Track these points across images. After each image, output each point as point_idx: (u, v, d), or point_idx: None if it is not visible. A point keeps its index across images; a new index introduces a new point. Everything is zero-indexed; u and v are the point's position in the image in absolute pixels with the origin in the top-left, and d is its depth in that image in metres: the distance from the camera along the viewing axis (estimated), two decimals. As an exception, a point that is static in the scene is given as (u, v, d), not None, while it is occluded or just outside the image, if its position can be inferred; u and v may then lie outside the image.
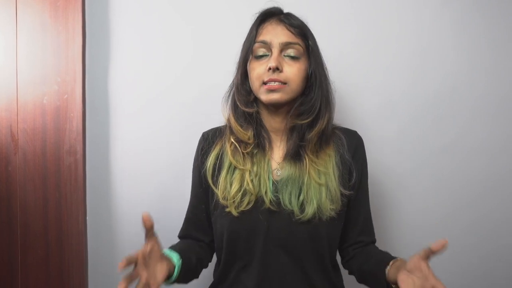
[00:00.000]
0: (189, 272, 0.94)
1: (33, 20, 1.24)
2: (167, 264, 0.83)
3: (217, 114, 1.04)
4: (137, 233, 1.32)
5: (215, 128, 1.06)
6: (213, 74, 1.28)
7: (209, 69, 1.30)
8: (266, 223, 0.93)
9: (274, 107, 0.96)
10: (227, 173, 0.96)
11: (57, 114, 1.24)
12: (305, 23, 0.98)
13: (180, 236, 1.07)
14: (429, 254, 0.75)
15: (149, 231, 0.80)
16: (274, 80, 0.91)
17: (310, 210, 0.91)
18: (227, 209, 0.94)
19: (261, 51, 0.94)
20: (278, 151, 0.99)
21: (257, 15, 0.98)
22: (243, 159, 0.96)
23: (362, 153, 1.02)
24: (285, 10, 1.00)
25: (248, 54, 0.96)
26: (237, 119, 0.98)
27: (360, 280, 1.01)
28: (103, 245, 1.32)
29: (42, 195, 1.25)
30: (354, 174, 0.98)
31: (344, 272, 1.05)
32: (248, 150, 0.96)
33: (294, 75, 0.92)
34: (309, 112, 0.95)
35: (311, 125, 0.95)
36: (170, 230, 1.11)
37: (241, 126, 0.97)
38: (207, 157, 1.00)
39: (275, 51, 0.92)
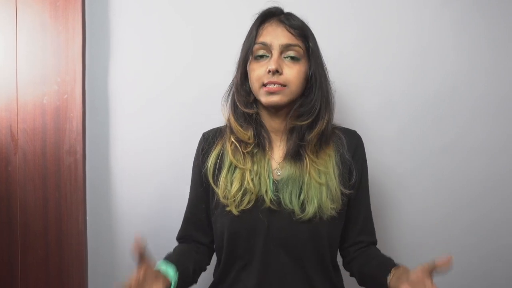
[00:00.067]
0: (186, 282, 0.94)
1: (33, 20, 1.24)
2: (162, 282, 0.83)
3: (217, 114, 1.03)
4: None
5: (215, 128, 1.06)
6: (213, 74, 1.28)
7: (209, 69, 1.30)
8: (267, 222, 0.93)
9: (274, 109, 0.96)
10: (228, 172, 0.96)
11: (57, 114, 1.24)
12: (306, 23, 0.98)
13: (178, 238, 1.07)
14: (433, 269, 0.75)
15: (141, 256, 0.80)
16: (274, 83, 0.91)
17: (310, 209, 0.91)
18: (228, 208, 0.94)
19: (261, 52, 0.94)
20: (278, 151, 1.00)
21: (257, 15, 0.98)
22: (244, 158, 0.96)
23: (362, 153, 1.02)
24: (286, 10, 1.00)
25: (248, 54, 0.96)
26: (237, 119, 0.98)
27: (360, 283, 1.01)
28: (103, 245, 1.32)
29: (42, 195, 1.25)
30: (354, 174, 0.98)
31: (345, 275, 1.05)
32: (249, 149, 0.96)
33: (294, 77, 0.92)
34: (309, 113, 0.95)
35: (311, 126, 0.95)
36: (170, 230, 1.11)
37: (241, 126, 0.97)
38: (207, 157, 1.00)
39: (275, 53, 0.92)
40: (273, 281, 0.94)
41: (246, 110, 0.96)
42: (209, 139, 1.03)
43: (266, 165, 0.96)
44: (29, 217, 1.24)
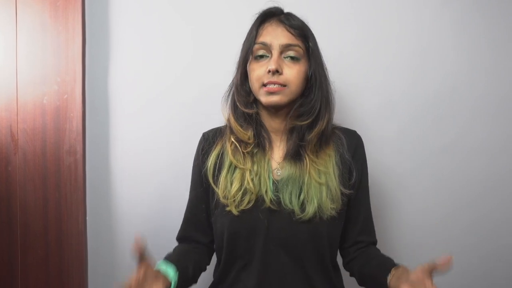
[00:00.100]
0: (186, 282, 0.94)
1: (33, 20, 1.24)
2: (162, 282, 0.83)
3: (217, 114, 1.03)
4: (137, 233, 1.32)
5: (215, 129, 1.06)
6: (213, 74, 1.28)
7: (209, 69, 1.30)
8: (267, 222, 0.93)
9: (274, 109, 0.96)
10: (228, 172, 0.96)
11: (57, 114, 1.24)
12: (306, 22, 0.98)
13: (178, 238, 1.07)
14: (433, 269, 0.75)
15: (141, 256, 0.80)
16: (274, 83, 0.91)
17: (310, 209, 0.91)
18: (228, 208, 0.94)
19: (261, 52, 0.94)
20: (278, 151, 1.00)
21: (257, 15, 0.98)
22: (244, 158, 0.96)
23: (361, 153, 1.02)
24: (286, 10, 1.00)
25: (248, 54, 0.96)
26: (236, 119, 0.98)
27: (360, 283, 1.01)
28: (103, 245, 1.32)
29: (42, 195, 1.25)
30: (354, 174, 0.98)
31: (345, 275, 1.05)
32: (249, 149, 0.96)
33: (294, 77, 0.92)
34: (309, 114, 0.95)
35: (311, 126, 0.95)
36: (170, 230, 1.11)
37: (241, 126, 0.97)
38: (207, 156, 1.00)
39: (275, 53, 0.92)
40: (273, 281, 0.94)
41: (246, 110, 0.96)
42: (209, 139, 1.03)
43: (266, 165, 0.96)
44: (29, 217, 1.24)
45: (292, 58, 0.93)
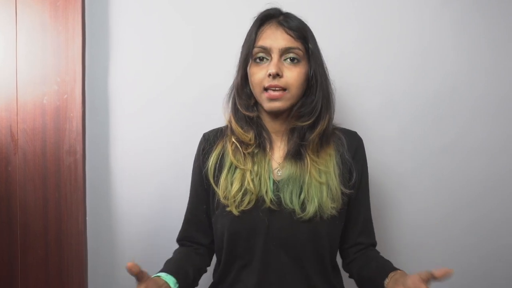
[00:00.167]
0: (187, 287, 0.95)
1: (33, 20, 1.24)
2: None
3: (218, 114, 1.03)
4: (137, 233, 1.33)
5: (216, 129, 1.06)
6: (213, 74, 1.28)
7: (209, 69, 1.30)
8: (267, 222, 0.93)
9: (275, 113, 0.97)
10: (228, 172, 0.96)
11: (57, 114, 1.24)
12: (305, 22, 0.97)
13: (179, 239, 1.07)
14: (430, 278, 0.75)
15: (139, 275, 0.79)
16: (275, 86, 0.91)
17: (311, 208, 0.91)
18: (228, 209, 0.94)
19: (261, 55, 0.94)
20: (278, 151, 1.00)
21: (256, 18, 0.97)
22: (244, 159, 0.96)
23: (362, 154, 1.02)
24: (285, 10, 0.99)
25: (248, 57, 0.95)
26: (238, 121, 0.98)
27: (359, 285, 1.02)
28: (103, 245, 1.32)
29: (42, 195, 1.24)
30: (354, 174, 0.98)
31: (345, 276, 1.05)
32: (249, 150, 0.96)
33: (295, 80, 0.92)
34: (310, 114, 0.95)
35: (312, 126, 0.95)
36: (170, 230, 1.11)
37: (242, 128, 0.97)
38: (208, 157, 1.00)
39: (275, 56, 0.92)
40: (273, 281, 0.94)
41: (247, 113, 0.96)
42: (210, 140, 1.03)
43: (266, 165, 0.96)
44: (29, 217, 1.24)
45: (292, 60, 0.93)
